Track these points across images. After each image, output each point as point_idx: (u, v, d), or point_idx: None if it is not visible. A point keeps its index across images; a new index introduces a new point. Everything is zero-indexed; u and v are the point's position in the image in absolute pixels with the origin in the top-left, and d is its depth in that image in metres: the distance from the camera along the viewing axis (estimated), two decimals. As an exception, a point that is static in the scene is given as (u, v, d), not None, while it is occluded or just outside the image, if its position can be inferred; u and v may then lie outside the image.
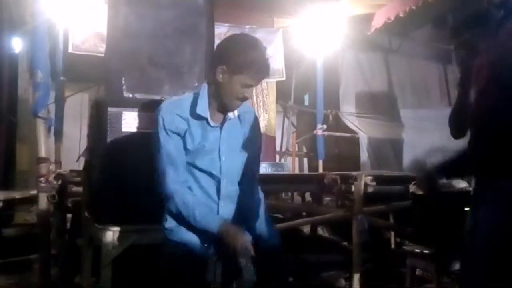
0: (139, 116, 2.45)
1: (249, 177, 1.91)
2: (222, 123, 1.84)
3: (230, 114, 1.85)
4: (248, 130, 1.92)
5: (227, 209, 1.84)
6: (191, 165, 1.82)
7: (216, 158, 1.83)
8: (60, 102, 4.99)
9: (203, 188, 1.82)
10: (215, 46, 2.76)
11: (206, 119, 1.80)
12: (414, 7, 5.04)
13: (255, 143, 1.96)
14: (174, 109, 1.81)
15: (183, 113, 1.80)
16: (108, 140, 2.36)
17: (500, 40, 1.49)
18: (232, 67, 1.73)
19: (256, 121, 1.99)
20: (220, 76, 1.75)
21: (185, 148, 1.80)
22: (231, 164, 1.86)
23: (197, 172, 1.82)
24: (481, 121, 1.55)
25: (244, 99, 1.81)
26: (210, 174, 1.82)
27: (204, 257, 1.76)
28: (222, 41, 1.86)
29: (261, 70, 1.77)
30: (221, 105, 1.81)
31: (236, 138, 1.88)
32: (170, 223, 1.84)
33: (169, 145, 1.79)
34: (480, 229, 1.51)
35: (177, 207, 1.76)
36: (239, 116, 1.88)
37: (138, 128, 2.43)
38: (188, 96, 1.87)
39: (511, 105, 1.44)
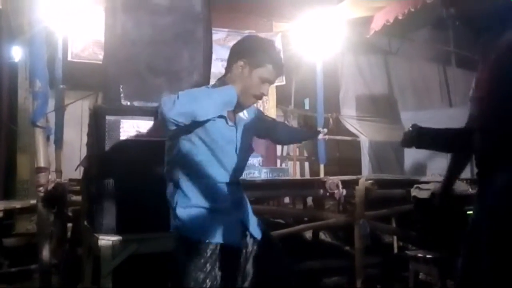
0: (138, 124, 2.44)
1: None
2: (235, 122, 1.84)
3: (241, 114, 1.86)
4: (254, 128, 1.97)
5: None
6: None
7: (232, 156, 1.82)
8: (59, 111, 4.99)
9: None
10: (213, 52, 2.80)
11: (224, 117, 1.79)
12: (412, 9, 5.04)
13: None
14: None
15: None
16: (107, 148, 2.35)
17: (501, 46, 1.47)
18: (252, 61, 1.78)
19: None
20: (240, 70, 1.78)
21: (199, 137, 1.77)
22: (243, 163, 1.88)
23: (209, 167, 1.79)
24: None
25: (261, 96, 1.85)
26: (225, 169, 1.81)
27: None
28: (239, 40, 1.90)
29: (279, 64, 1.83)
30: (238, 102, 1.79)
31: (247, 137, 1.91)
32: (181, 213, 1.74)
33: None
34: (475, 228, 1.51)
35: (185, 103, 1.62)
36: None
37: (136, 136, 2.42)
38: None
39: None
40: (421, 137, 1.72)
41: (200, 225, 1.73)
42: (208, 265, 1.68)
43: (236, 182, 1.88)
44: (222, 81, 1.85)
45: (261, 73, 1.79)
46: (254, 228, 1.85)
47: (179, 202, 1.75)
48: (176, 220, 1.75)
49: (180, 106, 1.60)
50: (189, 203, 1.74)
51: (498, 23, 1.50)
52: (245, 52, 1.80)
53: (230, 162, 1.81)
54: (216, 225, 1.73)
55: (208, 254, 1.69)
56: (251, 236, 1.83)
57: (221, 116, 1.76)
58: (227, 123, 1.79)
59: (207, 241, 1.70)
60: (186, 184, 1.76)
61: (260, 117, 2.05)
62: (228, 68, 1.84)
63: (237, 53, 1.83)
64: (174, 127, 1.64)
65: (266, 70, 1.79)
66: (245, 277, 1.80)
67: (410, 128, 1.74)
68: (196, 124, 1.69)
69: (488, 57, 1.51)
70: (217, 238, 1.72)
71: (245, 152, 1.88)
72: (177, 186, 1.77)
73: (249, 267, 1.81)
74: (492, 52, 1.49)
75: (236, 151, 1.83)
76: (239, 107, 1.82)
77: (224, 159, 1.79)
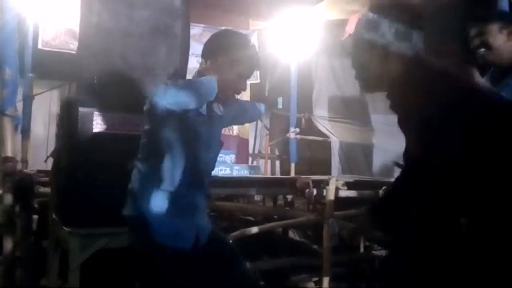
0: (111, 117, 2.41)
1: None
2: (211, 116, 1.84)
3: (216, 109, 1.86)
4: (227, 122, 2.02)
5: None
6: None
7: (207, 150, 1.83)
8: (28, 100, 4.85)
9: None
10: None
11: (203, 110, 1.77)
12: (387, 15, 5.13)
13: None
14: None
15: None
16: (79, 140, 2.32)
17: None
18: (231, 57, 1.77)
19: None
20: (218, 66, 1.77)
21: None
22: (215, 158, 1.91)
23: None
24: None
25: (239, 91, 1.86)
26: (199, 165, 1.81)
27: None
28: (215, 35, 1.89)
29: (257, 60, 1.85)
30: (216, 97, 1.78)
31: (219, 131, 1.94)
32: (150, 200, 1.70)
33: None
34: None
35: (175, 93, 1.63)
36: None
37: (109, 129, 2.39)
38: None
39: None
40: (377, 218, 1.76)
41: (172, 229, 1.71)
42: (177, 270, 1.67)
43: (207, 180, 1.87)
44: (198, 75, 1.84)
45: (240, 69, 1.79)
46: (204, 230, 1.83)
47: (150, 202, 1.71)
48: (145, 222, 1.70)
49: (171, 95, 1.61)
50: (160, 204, 1.71)
51: None
52: (223, 48, 1.80)
53: (204, 157, 1.81)
54: (182, 228, 1.73)
55: (176, 259, 1.67)
56: (200, 238, 1.80)
57: (198, 109, 1.74)
58: (203, 115, 1.78)
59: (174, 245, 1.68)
60: (157, 182, 1.72)
61: (235, 109, 2.03)
62: (205, 63, 1.82)
63: (214, 49, 1.82)
64: (163, 116, 1.64)
65: (244, 67, 1.80)
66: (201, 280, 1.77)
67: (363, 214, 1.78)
68: (176, 116, 1.68)
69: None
70: (181, 241, 1.70)
71: (217, 146, 1.90)
72: (147, 181, 1.74)
73: (203, 269, 1.78)
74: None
75: (211, 145, 1.84)
76: (217, 101, 1.83)
77: (199, 153, 1.79)
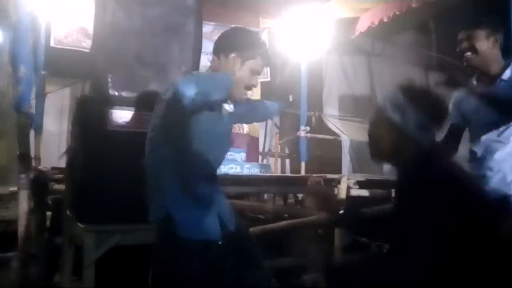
0: (125, 115, 2.42)
1: None
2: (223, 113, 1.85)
3: (227, 107, 1.86)
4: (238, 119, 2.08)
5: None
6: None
7: (218, 145, 1.85)
8: (41, 97, 4.88)
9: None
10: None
11: (219, 106, 1.80)
12: (398, 13, 5.11)
13: None
14: None
15: None
16: (93, 138, 2.33)
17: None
18: (244, 54, 1.81)
19: None
20: (232, 63, 1.80)
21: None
22: (225, 153, 1.94)
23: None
24: None
25: (251, 87, 1.89)
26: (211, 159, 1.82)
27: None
28: (227, 32, 1.91)
29: (268, 55, 1.88)
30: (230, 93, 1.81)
31: (230, 128, 1.97)
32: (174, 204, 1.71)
33: None
34: None
35: (198, 83, 1.63)
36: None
37: (123, 127, 2.40)
38: None
39: None
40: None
41: (195, 222, 1.71)
42: (197, 263, 1.68)
43: (217, 173, 1.89)
44: (212, 72, 1.86)
45: (252, 65, 1.83)
46: (229, 220, 1.85)
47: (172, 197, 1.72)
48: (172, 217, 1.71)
49: (195, 85, 1.60)
50: (181, 199, 1.71)
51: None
52: (236, 45, 1.82)
53: (216, 152, 1.83)
54: (205, 221, 1.73)
55: (198, 252, 1.68)
56: (227, 229, 1.82)
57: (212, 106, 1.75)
58: (218, 112, 1.80)
59: (197, 238, 1.69)
60: (174, 177, 1.72)
61: (244, 107, 2.03)
62: (218, 60, 1.85)
63: (227, 46, 1.84)
64: (187, 107, 1.61)
65: (256, 62, 1.84)
66: (222, 273, 1.77)
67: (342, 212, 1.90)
68: (199, 108, 1.67)
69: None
70: (205, 234, 1.71)
71: (228, 142, 1.95)
72: (165, 179, 1.74)
73: (226, 261, 1.79)
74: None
75: (223, 140, 1.88)
76: (230, 98, 1.84)
77: (211, 148, 1.79)
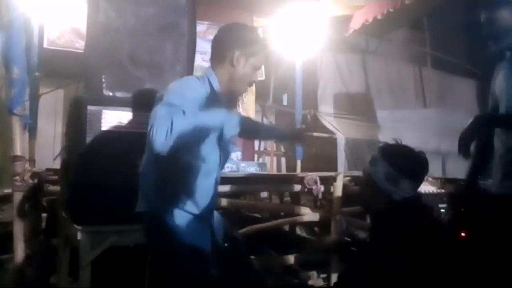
0: (119, 115, 2.42)
1: None
2: None
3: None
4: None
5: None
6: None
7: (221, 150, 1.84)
8: (34, 99, 4.85)
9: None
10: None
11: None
12: (391, 10, 5.12)
13: None
14: None
15: None
16: (88, 139, 2.33)
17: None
18: (247, 51, 1.80)
19: None
20: (236, 60, 1.79)
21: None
22: (227, 157, 1.91)
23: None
24: None
25: (252, 83, 1.89)
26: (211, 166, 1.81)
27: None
28: (228, 29, 1.87)
29: (268, 51, 1.89)
30: (231, 92, 1.82)
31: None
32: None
33: None
34: None
35: (178, 138, 1.53)
36: None
37: (118, 127, 2.40)
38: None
39: None
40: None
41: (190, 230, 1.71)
42: (189, 271, 1.68)
43: (218, 178, 1.88)
44: (211, 71, 1.83)
45: (255, 62, 1.83)
46: (218, 227, 1.86)
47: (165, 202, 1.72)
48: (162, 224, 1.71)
49: (173, 141, 1.52)
50: (176, 206, 1.72)
51: None
52: (239, 42, 1.80)
53: (217, 158, 1.83)
54: (196, 228, 1.73)
55: (191, 259, 1.68)
56: (215, 236, 1.83)
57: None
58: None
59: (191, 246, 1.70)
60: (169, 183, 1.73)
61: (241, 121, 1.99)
62: (220, 58, 1.81)
63: (230, 43, 1.80)
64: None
65: (258, 59, 1.84)
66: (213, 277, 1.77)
67: None
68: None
69: None
70: (198, 242, 1.72)
71: (229, 146, 1.90)
72: (159, 183, 1.74)
73: (216, 266, 1.79)
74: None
75: (226, 144, 1.84)
76: (234, 95, 1.84)
77: (212, 154, 1.79)
